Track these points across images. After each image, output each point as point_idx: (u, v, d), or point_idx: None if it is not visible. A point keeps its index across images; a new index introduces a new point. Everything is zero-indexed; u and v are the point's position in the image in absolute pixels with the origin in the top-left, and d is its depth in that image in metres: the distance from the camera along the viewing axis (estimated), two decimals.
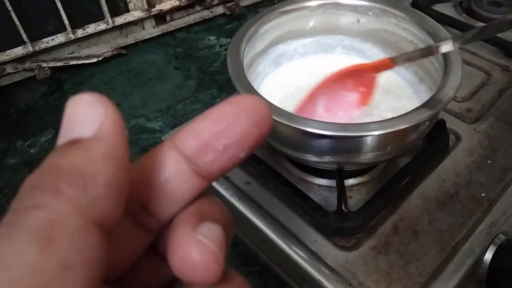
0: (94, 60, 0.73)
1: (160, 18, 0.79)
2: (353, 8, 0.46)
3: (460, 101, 0.50)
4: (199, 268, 0.13)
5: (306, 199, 0.39)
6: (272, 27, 0.45)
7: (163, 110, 0.65)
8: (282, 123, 0.33)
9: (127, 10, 0.73)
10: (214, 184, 0.43)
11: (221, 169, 0.15)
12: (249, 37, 0.42)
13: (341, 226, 0.37)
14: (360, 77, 0.40)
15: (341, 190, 0.38)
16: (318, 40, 0.49)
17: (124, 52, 0.76)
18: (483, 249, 0.37)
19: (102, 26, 0.71)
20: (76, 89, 0.70)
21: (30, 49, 0.67)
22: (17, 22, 0.63)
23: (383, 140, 0.34)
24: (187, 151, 0.14)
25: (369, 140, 0.34)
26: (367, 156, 0.36)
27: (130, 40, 0.78)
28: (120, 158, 0.13)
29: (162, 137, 0.56)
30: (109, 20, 0.71)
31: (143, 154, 0.15)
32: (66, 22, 0.67)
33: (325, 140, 0.35)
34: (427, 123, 0.37)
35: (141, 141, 0.61)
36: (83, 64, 0.73)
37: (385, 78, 0.45)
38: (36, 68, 0.70)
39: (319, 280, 0.35)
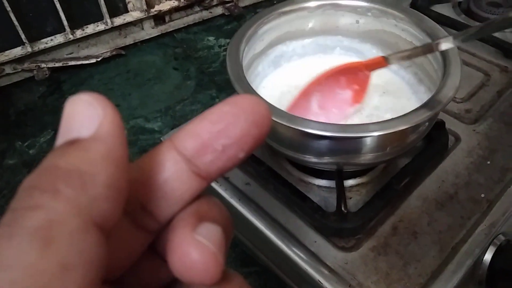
0: (93, 60, 0.73)
1: (159, 18, 0.79)
2: (352, 9, 0.46)
3: (459, 102, 0.50)
4: (198, 268, 0.13)
5: (306, 200, 0.39)
6: (271, 28, 0.45)
7: (162, 110, 0.65)
8: (281, 124, 0.33)
9: (126, 11, 0.73)
10: (214, 184, 0.43)
11: (221, 170, 0.15)
12: (248, 38, 0.42)
13: (340, 227, 0.37)
14: (353, 75, 0.41)
15: (341, 191, 0.38)
16: (317, 41, 0.49)
17: (123, 52, 0.76)
18: (482, 250, 0.37)
19: (101, 26, 0.71)
20: (75, 90, 0.70)
21: (29, 49, 0.67)
22: (16, 23, 0.63)
23: (383, 141, 0.34)
24: (186, 151, 0.14)
25: (368, 141, 0.34)
26: (366, 157, 0.36)
27: (129, 40, 0.78)
28: (119, 159, 0.13)
29: (161, 138, 0.56)
30: (108, 20, 0.71)
31: (142, 155, 0.15)
32: (65, 22, 0.67)
33: (324, 141, 0.35)
34: (427, 124, 0.37)
35: (140, 141, 0.61)
36: (82, 64, 0.73)
37: (384, 79, 0.46)
38: (35, 69, 0.70)
39: (319, 280, 0.35)
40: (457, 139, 0.46)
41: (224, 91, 0.68)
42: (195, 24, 0.82)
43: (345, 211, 0.37)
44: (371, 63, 0.40)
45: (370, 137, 0.33)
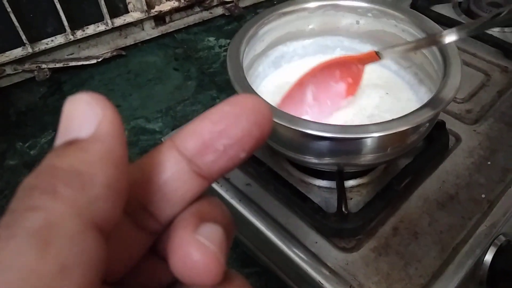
0: (94, 61, 0.73)
1: (160, 19, 0.79)
2: (353, 10, 0.46)
3: (460, 102, 0.50)
4: (199, 269, 0.13)
5: (306, 201, 0.39)
6: (271, 28, 0.45)
7: (162, 111, 0.65)
8: (282, 125, 0.33)
9: (127, 11, 0.73)
10: (214, 185, 0.43)
11: (222, 170, 0.15)
12: (248, 39, 0.42)
13: (341, 227, 0.37)
14: (347, 68, 0.42)
15: (341, 192, 0.38)
16: (317, 42, 0.49)
17: (123, 53, 0.76)
18: (483, 250, 0.37)
19: (101, 27, 0.71)
20: (76, 90, 0.69)
21: (30, 50, 0.67)
22: (17, 23, 0.63)
23: (383, 142, 0.34)
24: (187, 151, 0.14)
25: (369, 142, 0.34)
26: (367, 158, 0.36)
27: (129, 41, 0.78)
28: (118, 159, 0.13)
29: (162, 138, 0.56)
30: (109, 21, 0.71)
31: (143, 155, 0.15)
32: (66, 23, 0.67)
33: (325, 142, 0.34)
34: (427, 124, 0.36)
35: (141, 142, 0.61)
36: (82, 65, 0.73)
37: (385, 80, 0.46)
38: (35, 70, 0.70)
39: (319, 281, 0.35)
40: (458, 139, 0.46)
41: (225, 91, 0.68)
42: (195, 25, 0.82)
43: (346, 212, 0.37)
44: (364, 57, 0.41)
45: (371, 138, 0.33)
